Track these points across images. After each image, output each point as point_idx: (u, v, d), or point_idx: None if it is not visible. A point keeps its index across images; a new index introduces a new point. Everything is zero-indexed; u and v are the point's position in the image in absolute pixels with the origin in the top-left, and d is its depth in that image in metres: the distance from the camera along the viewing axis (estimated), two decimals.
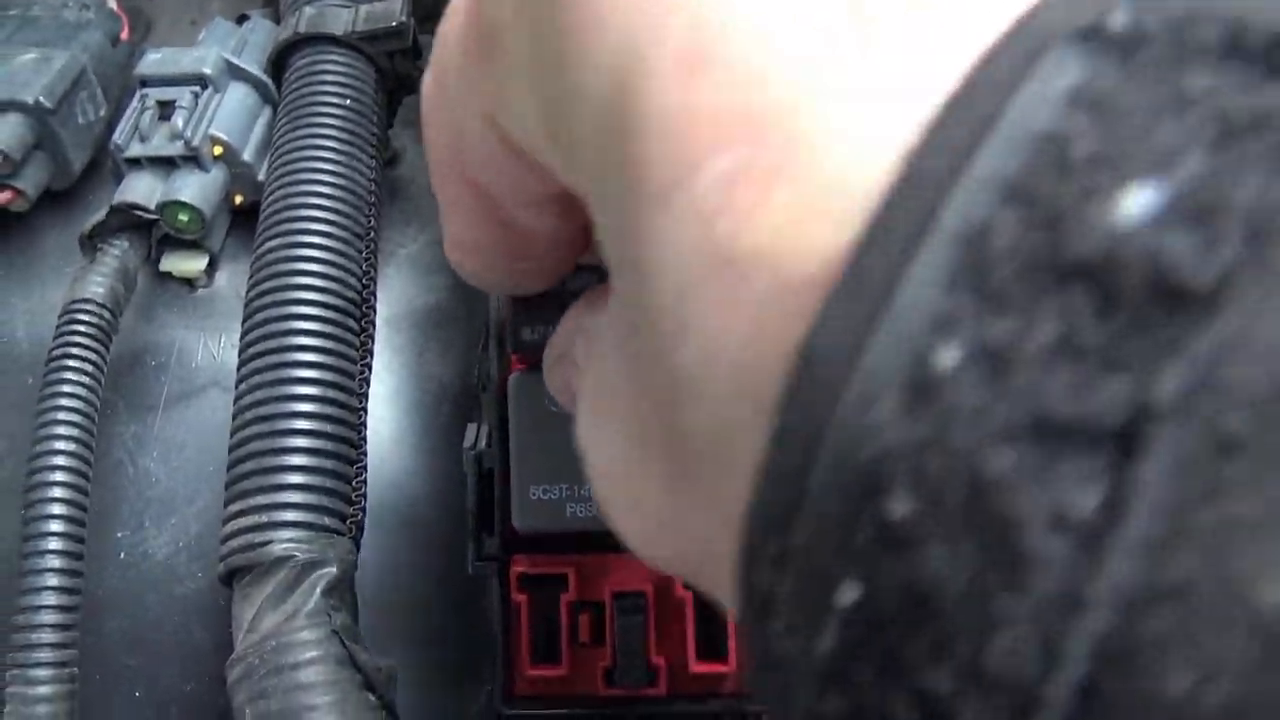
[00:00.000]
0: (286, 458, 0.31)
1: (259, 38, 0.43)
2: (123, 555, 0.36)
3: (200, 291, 0.40)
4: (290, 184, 0.35)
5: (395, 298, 0.40)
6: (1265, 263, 0.08)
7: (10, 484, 0.35)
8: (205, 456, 0.37)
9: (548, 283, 0.21)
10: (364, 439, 0.33)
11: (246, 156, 0.39)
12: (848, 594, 0.09)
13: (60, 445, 0.32)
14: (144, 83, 0.40)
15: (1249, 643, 0.07)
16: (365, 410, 0.34)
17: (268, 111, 0.41)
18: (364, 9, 0.40)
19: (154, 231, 0.38)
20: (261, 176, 0.39)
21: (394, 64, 0.40)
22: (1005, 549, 0.08)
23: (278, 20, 0.43)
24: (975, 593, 0.08)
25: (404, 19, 0.39)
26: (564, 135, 0.13)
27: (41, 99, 0.38)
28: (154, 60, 0.40)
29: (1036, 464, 0.08)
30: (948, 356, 0.09)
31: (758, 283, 0.10)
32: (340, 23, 0.39)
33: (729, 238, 0.10)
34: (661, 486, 0.13)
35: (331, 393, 0.32)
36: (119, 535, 0.36)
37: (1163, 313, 0.08)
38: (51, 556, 0.30)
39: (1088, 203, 0.08)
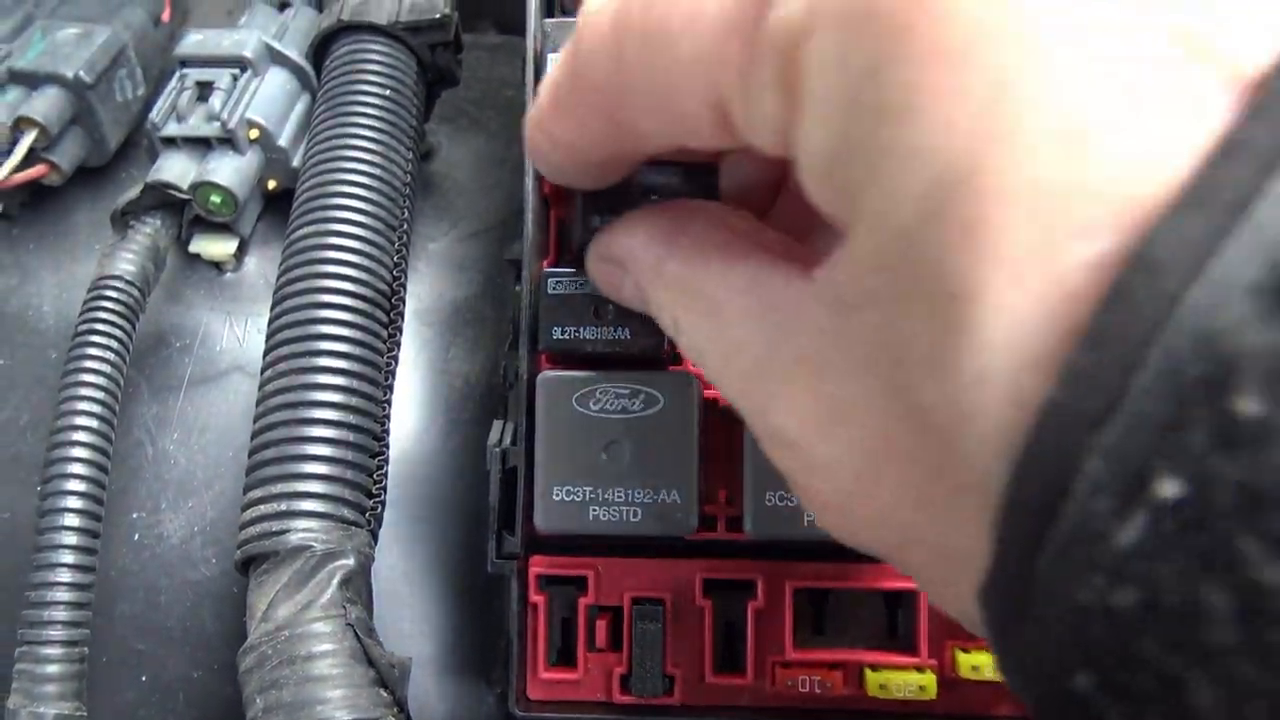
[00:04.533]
0: (309, 447, 0.30)
1: (301, 24, 0.43)
2: (137, 537, 0.35)
3: (228, 275, 0.39)
4: (326, 172, 0.35)
5: (425, 291, 0.39)
6: None
7: (30, 458, 0.35)
8: (225, 441, 0.36)
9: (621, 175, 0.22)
10: (387, 431, 0.33)
11: (282, 142, 0.39)
12: (1167, 489, 0.10)
13: (82, 422, 0.31)
14: (184, 63, 0.40)
15: None
16: (390, 402, 0.33)
17: (306, 98, 0.41)
18: (408, 0, 0.40)
19: (185, 212, 0.38)
20: (296, 163, 0.39)
21: (435, 57, 0.40)
22: None
23: (320, 8, 0.43)
24: None
25: (448, 11, 0.39)
26: (858, 175, 0.13)
27: (81, 74, 0.38)
28: (195, 41, 0.40)
29: None
30: None
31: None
32: (384, 12, 0.39)
33: (1081, 320, 0.11)
34: (909, 496, 0.14)
35: (357, 383, 0.32)
36: (134, 516, 0.35)
37: None
38: (68, 534, 0.30)
39: None
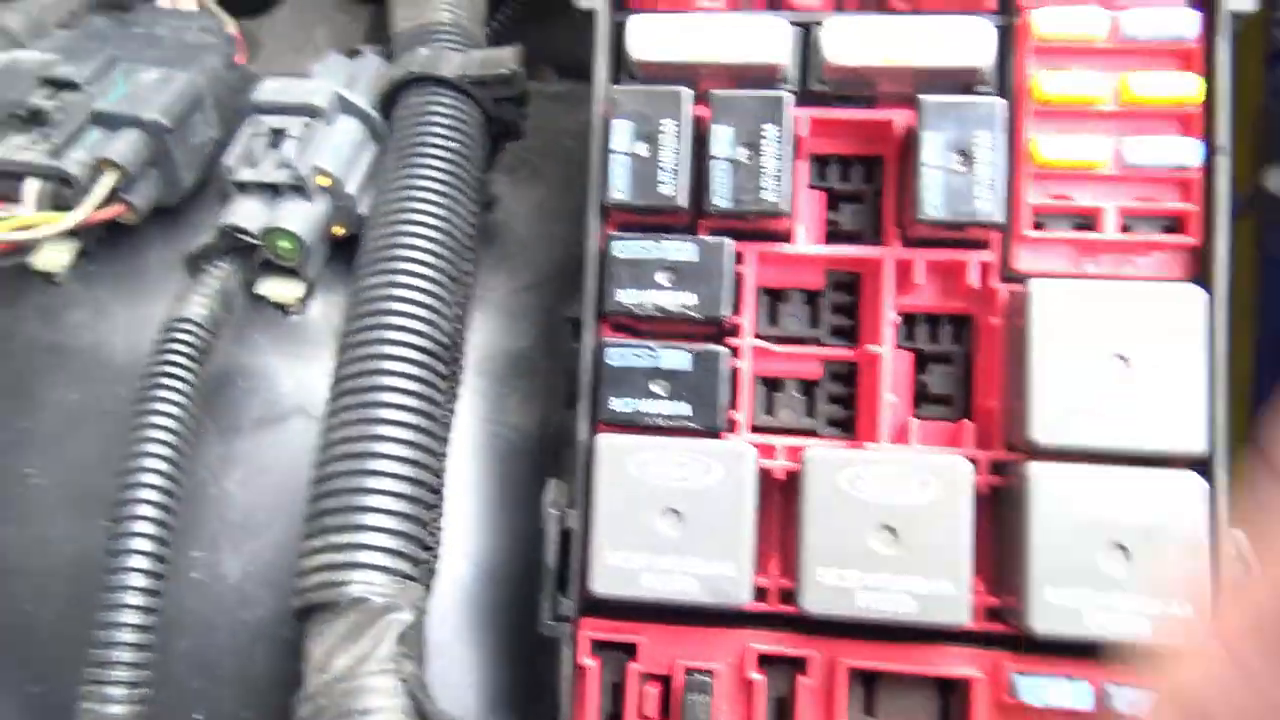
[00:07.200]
0: (370, 499, 0.31)
1: (370, 72, 0.44)
2: (196, 575, 0.36)
3: (293, 318, 0.40)
4: (394, 223, 0.35)
5: (481, 342, 0.40)
6: None
7: (96, 492, 0.36)
8: (285, 483, 0.37)
9: None
10: (443, 484, 0.33)
11: (350, 189, 0.40)
12: None
13: (153, 464, 0.32)
14: (258, 109, 0.41)
15: None
16: (446, 455, 0.34)
17: (373, 146, 0.42)
18: (477, 54, 0.41)
19: (255, 256, 0.39)
20: (363, 210, 0.40)
21: (501, 111, 0.41)
22: None
23: (388, 57, 0.44)
24: None
25: (516, 67, 0.40)
26: None
27: (160, 118, 0.40)
28: (270, 88, 0.41)
29: None
30: None
31: None
32: (453, 66, 0.40)
33: None
34: None
35: (418, 436, 0.32)
36: (194, 554, 0.36)
37: None
38: (136, 575, 0.31)
39: None
